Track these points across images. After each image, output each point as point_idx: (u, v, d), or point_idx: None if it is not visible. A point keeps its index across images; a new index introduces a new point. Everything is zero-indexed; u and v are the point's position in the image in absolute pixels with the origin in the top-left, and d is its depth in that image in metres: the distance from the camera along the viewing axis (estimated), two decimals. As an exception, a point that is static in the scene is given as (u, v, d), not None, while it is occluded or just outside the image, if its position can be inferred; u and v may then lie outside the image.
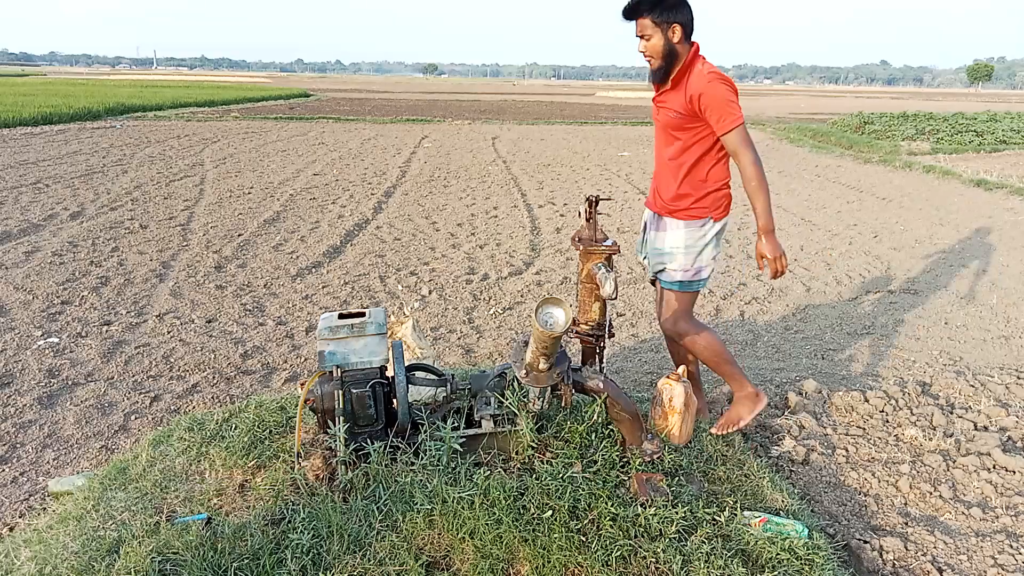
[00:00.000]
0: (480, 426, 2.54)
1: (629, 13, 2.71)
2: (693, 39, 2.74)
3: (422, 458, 2.36)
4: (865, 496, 2.81)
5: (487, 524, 2.10)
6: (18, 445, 3.25)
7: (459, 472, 2.30)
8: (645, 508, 2.24)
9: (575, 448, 2.52)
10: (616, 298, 2.73)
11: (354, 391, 2.38)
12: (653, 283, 3.12)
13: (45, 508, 2.70)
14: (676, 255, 2.88)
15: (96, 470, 2.86)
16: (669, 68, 2.73)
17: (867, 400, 3.59)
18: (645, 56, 2.74)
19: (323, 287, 5.59)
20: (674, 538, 2.14)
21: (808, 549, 2.20)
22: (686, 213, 2.85)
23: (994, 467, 3.01)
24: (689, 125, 2.75)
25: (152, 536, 2.12)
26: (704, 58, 2.74)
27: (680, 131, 2.79)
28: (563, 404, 2.51)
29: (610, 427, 2.64)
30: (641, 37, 2.71)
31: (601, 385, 2.54)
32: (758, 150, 2.73)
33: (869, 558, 2.43)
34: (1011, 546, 2.48)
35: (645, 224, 3.10)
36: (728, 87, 2.66)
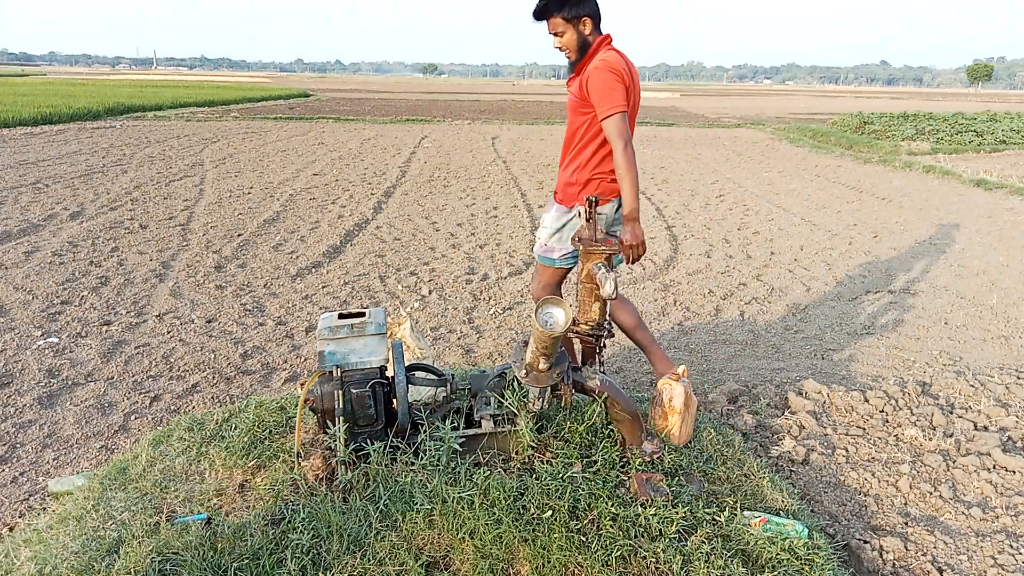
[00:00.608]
0: (480, 426, 2.54)
1: (540, 14, 2.83)
2: (604, 30, 2.90)
3: (422, 458, 2.36)
4: (865, 496, 2.81)
5: (487, 524, 2.10)
6: (18, 445, 3.25)
7: (459, 472, 2.30)
8: (645, 508, 2.24)
9: (575, 448, 2.52)
10: (616, 298, 2.73)
11: (354, 391, 2.38)
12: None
13: (45, 508, 2.71)
14: (541, 231, 3.15)
15: (96, 470, 2.85)
16: (583, 58, 2.89)
17: (867, 400, 3.59)
18: (562, 51, 2.89)
19: (323, 287, 5.59)
20: (674, 538, 2.14)
21: (808, 549, 2.20)
22: (561, 197, 3.08)
23: (994, 467, 3.01)
24: (582, 109, 2.92)
25: (152, 536, 2.12)
26: (613, 48, 2.89)
27: (575, 113, 2.97)
28: (563, 404, 2.51)
29: (610, 427, 2.64)
30: (555, 35, 2.85)
31: (601, 385, 2.54)
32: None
33: (869, 558, 2.43)
34: (1011, 546, 2.48)
35: None
36: (614, 75, 2.78)
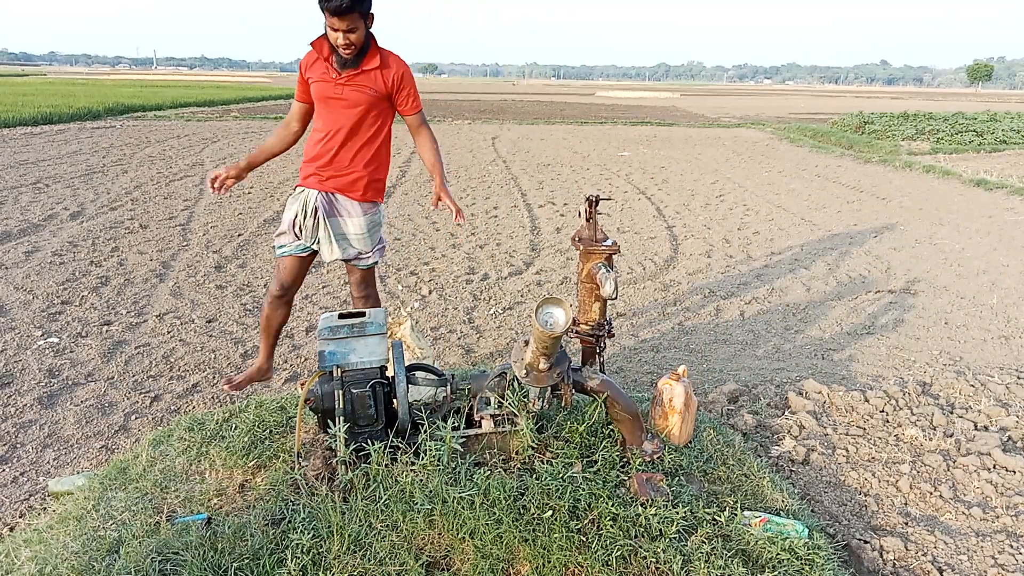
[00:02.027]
0: (480, 426, 2.54)
1: (345, 10, 2.78)
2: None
3: (422, 458, 2.36)
4: (865, 496, 2.81)
5: (487, 524, 2.10)
6: (18, 445, 3.25)
7: (459, 472, 2.31)
8: (645, 508, 2.24)
9: (575, 448, 2.52)
10: (616, 298, 2.74)
11: (354, 391, 2.38)
12: (347, 263, 3.29)
13: (45, 508, 2.71)
14: (365, 239, 3.15)
15: (96, 470, 2.86)
16: (365, 53, 2.94)
17: (867, 400, 3.59)
18: (347, 47, 2.87)
19: (323, 287, 5.59)
20: (674, 538, 2.15)
21: (808, 549, 2.21)
22: (364, 196, 3.10)
23: (994, 467, 3.01)
24: (380, 105, 3.00)
25: (152, 536, 2.12)
26: None
27: (368, 108, 2.99)
28: (563, 404, 2.52)
29: (610, 427, 2.64)
30: (349, 31, 2.85)
31: (601, 385, 2.54)
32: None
33: (869, 558, 2.43)
34: (1011, 546, 2.48)
35: (313, 208, 3.12)
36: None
